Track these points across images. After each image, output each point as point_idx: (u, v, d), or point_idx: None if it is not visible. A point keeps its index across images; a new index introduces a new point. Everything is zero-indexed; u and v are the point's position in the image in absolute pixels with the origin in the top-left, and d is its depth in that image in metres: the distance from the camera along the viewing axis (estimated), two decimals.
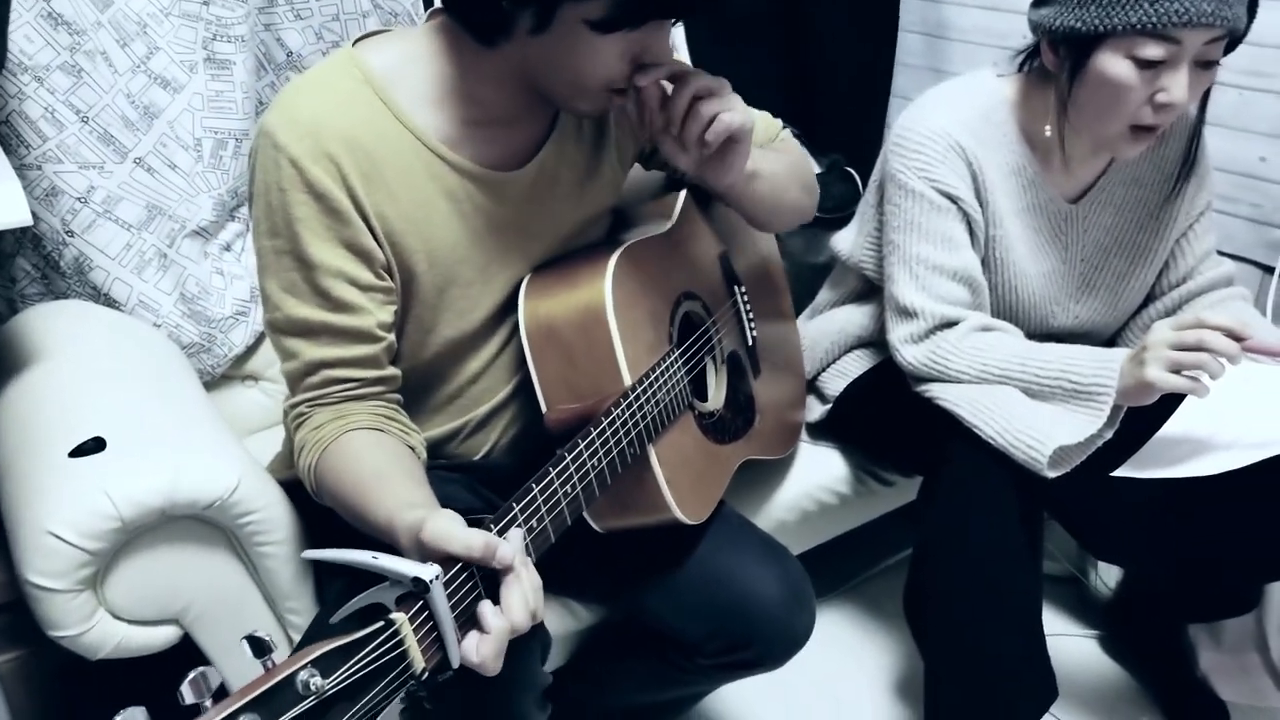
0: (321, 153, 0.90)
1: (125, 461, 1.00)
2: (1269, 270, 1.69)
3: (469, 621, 0.75)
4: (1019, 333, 1.31)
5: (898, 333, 1.32)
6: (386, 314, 0.98)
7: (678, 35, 1.99)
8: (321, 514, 1.11)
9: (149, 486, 0.97)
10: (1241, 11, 1.10)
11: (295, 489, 1.15)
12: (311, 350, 0.96)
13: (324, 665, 0.63)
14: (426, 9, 1.61)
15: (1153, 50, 1.10)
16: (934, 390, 1.27)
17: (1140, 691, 1.62)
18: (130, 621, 1.02)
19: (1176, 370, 1.09)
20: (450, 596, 0.73)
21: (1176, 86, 1.12)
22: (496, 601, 0.76)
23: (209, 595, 1.06)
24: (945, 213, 1.27)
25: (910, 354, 1.30)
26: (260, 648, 0.62)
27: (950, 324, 1.28)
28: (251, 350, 1.52)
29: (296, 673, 0.61)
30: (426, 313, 1.02)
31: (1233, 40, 1.14)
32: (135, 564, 1.00)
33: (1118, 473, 1.19)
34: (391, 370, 1.00)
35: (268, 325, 0.99)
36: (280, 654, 0.63)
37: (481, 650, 0.74)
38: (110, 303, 1.39)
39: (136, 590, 1.01)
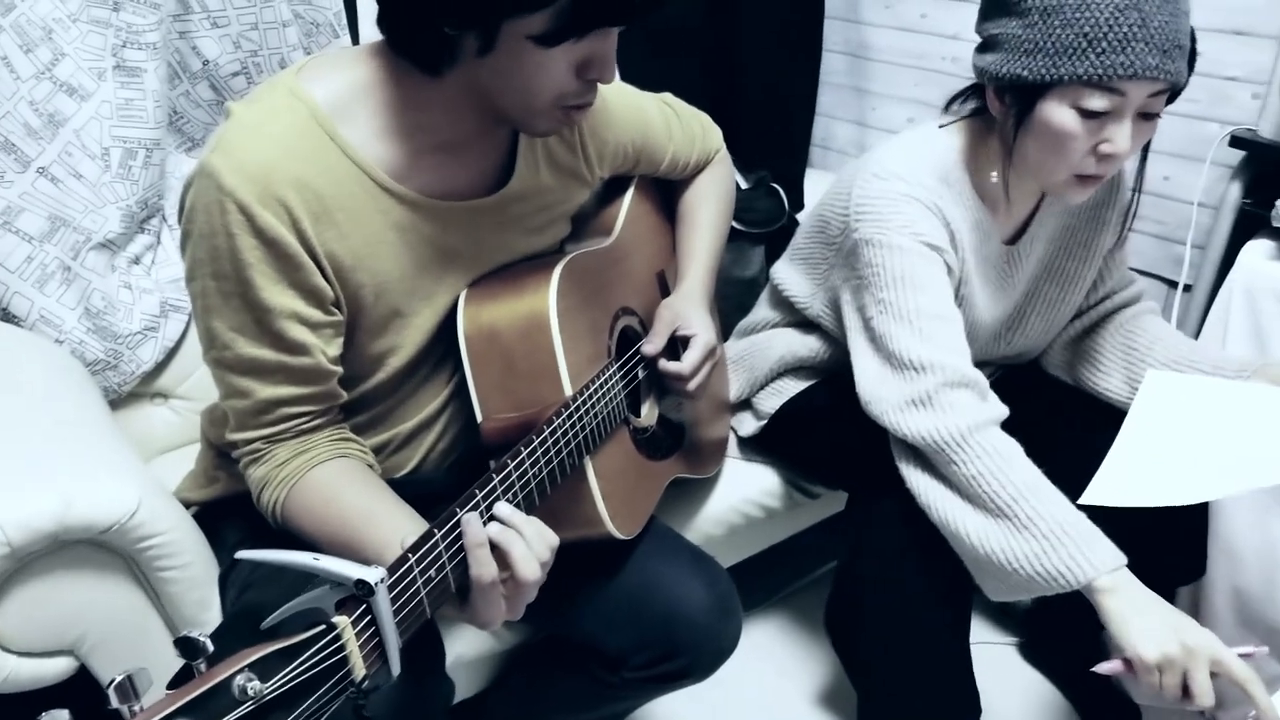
0: (271, 197, 0.88)
1: (15, 484, 0.96)
2: (1173, 285, 1.75)
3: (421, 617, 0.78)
4: (1019, 448, 1.18)
5: (896, 394, 1.20)
6: (336, 348, 0.97)
7: None
8: (232, 537, 1.09)
9: (40, 510, 0.93)
10: (1183, 65, 1.11)
11: (209, 509, 1.12)
12: (265, 390, 0.95)
13: (262, 669, 0.60)
14: (349, 17, 1.59)
15: (1097, 102, 1.10)
16: (914, 481, 1.20)
17: (1059, 696, 1.65)
18: (20, 654, 0.97)
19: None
20: (394, 600, 0.72)
21: (1120, 137, 1.12)
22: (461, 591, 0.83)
23: (107, 624, 1.01)
24: (933, 262, 1.23)
25: (916, 426, 1.17)
26: (192, 649, 0.58)
27: (963, 383, 1.18)
28: (161, 367, 1.47)
29: (233, 676, 0.58)
30: (371, 341, 1.01)
31: (1174, 92, 1.15)
32: (26, 593, 0.96)
33: (1083, 501, 1.14)
34: (341, 398, 1.01)
35: (214, 362, 0.97)
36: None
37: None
38: (9, 318, 1.34)
39: (27, 620, 0.96)
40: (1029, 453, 1.16)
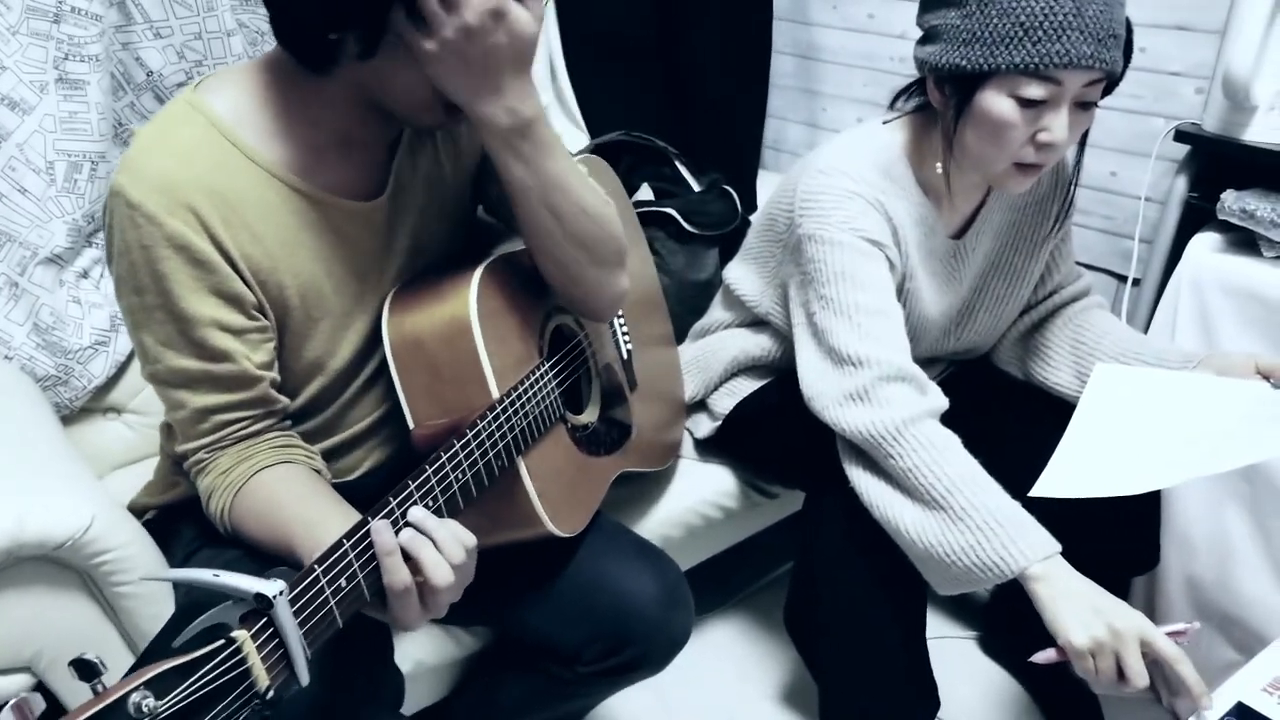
0: (178, 204, 0.90)
1: None
2: (1122, 279, 1.78)
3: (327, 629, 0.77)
4: (957, 440, 1.19)
5: (835, 389, 1.22)
6: (264, 353, 0.98)
7: (558, 61, 1.99)
8: (189, 533, 1.08)
9: None
10: (1119, 55, 1.13)
11: (167, 512, 1.13)
12: (197, 399, 0.95)
13: (158, 686, 0.61)
14: None
15: (1035, 90, 1.12)
16: (855, 478, 1.21)
17: (1017, 688, 1.67)
18: None
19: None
20: (299, 612, 0.73)
21: (1057, 126, 1.14)
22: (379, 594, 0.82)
23: (63, 640, 1.01)
24: (874, 259, 1.25)
25: (854, 420, 1.19)
26: (88, 671, 0.59)
27: (900, 378, 1.20)
28: (113, 382, 1.45)
29: (128, 695, 0.59)
30: (304, 345, 1.02)
31: (1110, 83, 1.17)
32: None
33: (1034, 494, 1.15)
34: (281, 402, 1.01)
35: (149, 377, 0.98)
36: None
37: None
38: None
39: None
40: (981, 447, 1.18)
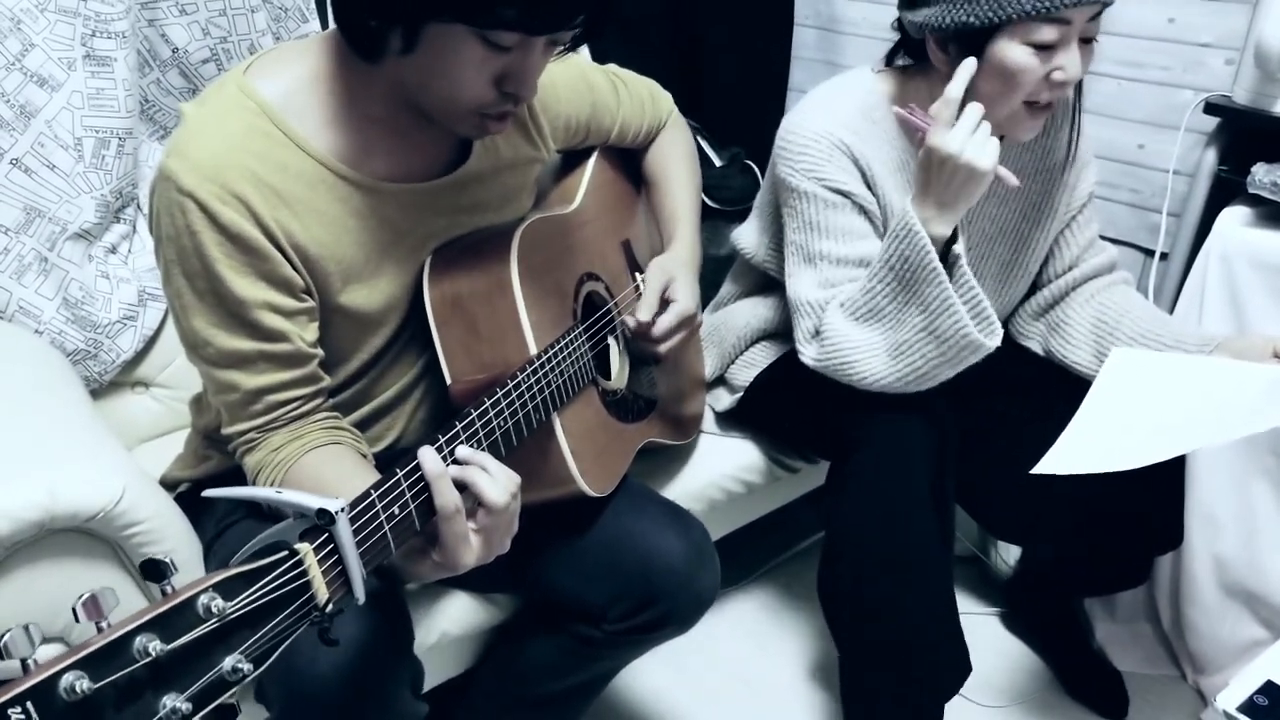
0: (228, 193, 0.90)
1: (0, 475, 0.96)
2: (1150, 253, 1.76)
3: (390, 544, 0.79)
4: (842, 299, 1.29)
5: (800, 330, 1.31)
6: (312, 332, 0.99)
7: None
8: (223, 506, 1.10)
9: (25, 500, 0.93)
10: None
11: (201, 486, 1.13)
12: (251, 380, 0.96)
13: (225, 589, 0.62)
14: (316, 2, 1.58)
15: (1048, 33, 1.15)
16: (856, 377, 1.25)
17: (1040, 665, 1.67)
18: None
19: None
20: (357, 532, 0.74)
21: (1071, 63, 1.17)
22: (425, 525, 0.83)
23: None
24: (840, 208, 1.28)
25: (810, 353, 1.29)
26: (157, 571, 0.60)
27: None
28: (141, 356, 1.47)
29: (197, 595, 0.60)
30: (346, 324, 1.03)
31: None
32: (13, 582, 0.96)
33: (1037, 470, 1.14)
34: (326, 380, 1.02)
35: (198, 360, 0.98)
36: None
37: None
38: None
39: (15, 610, 0.97)
40: (998, 422, 1.18)
